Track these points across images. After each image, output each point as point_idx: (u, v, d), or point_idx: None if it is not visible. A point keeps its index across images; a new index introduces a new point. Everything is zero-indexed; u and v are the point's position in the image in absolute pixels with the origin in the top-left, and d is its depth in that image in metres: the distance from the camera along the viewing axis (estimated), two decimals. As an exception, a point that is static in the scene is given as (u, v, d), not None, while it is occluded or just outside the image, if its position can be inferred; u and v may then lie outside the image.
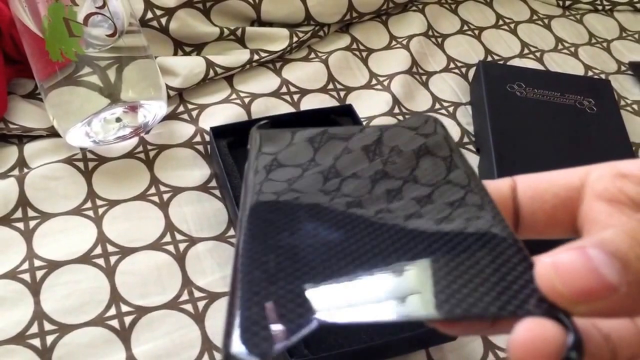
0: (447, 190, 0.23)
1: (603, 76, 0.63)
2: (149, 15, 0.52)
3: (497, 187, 0.22)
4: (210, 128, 0.46)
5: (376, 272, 0.20)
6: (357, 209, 0.23)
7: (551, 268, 0.17)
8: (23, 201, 0.42)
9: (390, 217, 0.23)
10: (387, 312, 0.18)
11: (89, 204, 0.43)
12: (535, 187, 0.22)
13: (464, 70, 0.60)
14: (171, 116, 0.50)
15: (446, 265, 0.20)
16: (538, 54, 0.64)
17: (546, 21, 0.69)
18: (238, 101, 0.52)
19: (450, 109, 0.56)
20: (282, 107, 0.52)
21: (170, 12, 0.53)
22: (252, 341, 0.17)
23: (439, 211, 0.22)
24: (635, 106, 0.60)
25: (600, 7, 0.71)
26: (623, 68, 0.65)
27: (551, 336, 0.16)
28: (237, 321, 0.18)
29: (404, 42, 0.60)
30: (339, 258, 0.21)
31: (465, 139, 0.54)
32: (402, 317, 0.18)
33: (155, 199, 0.44)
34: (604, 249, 0.16)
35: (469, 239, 0.21)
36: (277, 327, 0.18)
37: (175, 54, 0.54)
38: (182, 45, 0.54)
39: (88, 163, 0.45)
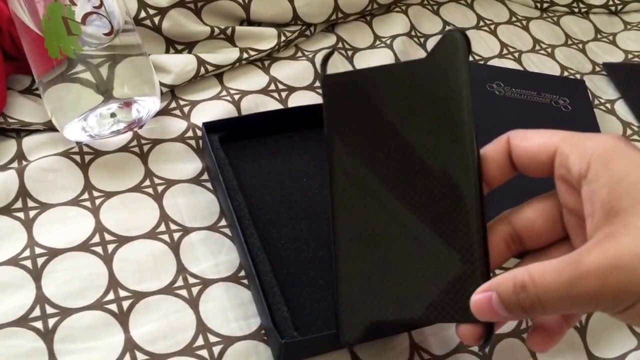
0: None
1: (578, 76, 0.66)
2: (143, 14, 0.54)
3: (495, 150, 0.33)
4: (203, 123, 0.48)
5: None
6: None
7: (473, 305, 0.31)
8: (23, 192, 0.44)
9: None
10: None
11: (86, 195, 0.45)
12: (523, 158, 0.32)
13: (445, 69, 0.63)
14: (164, 112, 0.52)
15: (423, 266, 0.35)
16: (516, 55, 0.67)
17: (524, 23, 0.71)
18: (228, 98, 0.54)
19: (432, 107, 0.59)
20: (271, 104, 0.54)
21: (162, 11, 0.55)
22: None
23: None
24: (608, 105, 0.63)
25: (576, 10, 0.74)
26: (597, 69, 0.68)
27: (476, 332, 0.32)
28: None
29: (388, 42, 0.63)
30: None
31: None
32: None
33: (150, 190, 0.46)
34: (499, 294, 0.29)
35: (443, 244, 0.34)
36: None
37: (168, 52, 0.56)
38: (174, 44, 0.56)
39: (84, 156, 0.47)
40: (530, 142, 0.32)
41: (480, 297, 0.30)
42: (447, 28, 0.37)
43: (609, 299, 0.27)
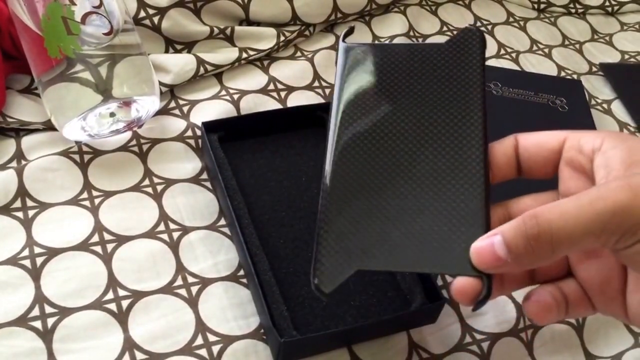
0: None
1: (575, 76, 0.66)
2: (142, 14, 0.54)
3: (502, 142, 0.33)
4: (202, 123, 0.48)
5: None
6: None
7: (474, 251, 0.29)
8: (22, 191, 0.44)
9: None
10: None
11: (85, 195, 0.45)
12: (530, 147, 0.33)
13: (443, 69, 0.63)
14: (163, 111, 0.52)
15: (426, 218, 0.32)
16: (514, 55, 0.67)
17: (522, 23, 0.72)
18: (227, 97, 0.54)
19: (430, 107, 0.59)
20: (270, 104, 0.55)
21: (162, 11, 0.55)
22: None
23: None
24: (605, 105, 0.64)
25: (573, 10, 0.75)
26: (594, 69, 0.68)
27: (472, 289, 0.30)
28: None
29: (387, 42, 0.63)
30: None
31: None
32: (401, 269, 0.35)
33: (149, 190, 0.46)
34: (502, 237, 0.28)
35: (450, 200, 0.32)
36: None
37: (167, 51, 0.56)
38: (174, 43, 0.56)
39: (84, 156, 0.47)
40: (539, 135, 0.33)
41: (482, 242, 0.29)
42: (466, 25, 0.39)
43: (624, 225, 0.25)
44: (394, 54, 0.37)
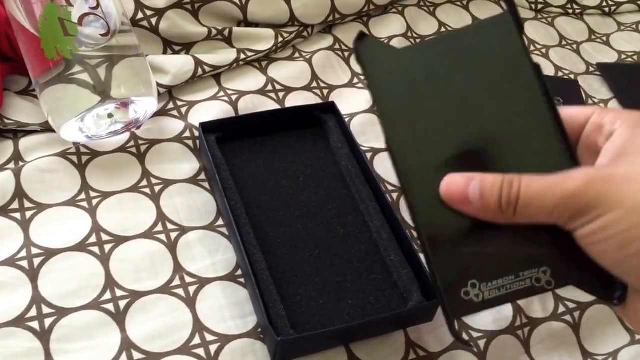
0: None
1: (572, 76, 0.66)
2: (140, 15, 0.54)
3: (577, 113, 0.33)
4: (200, 124, 0.48)
5: None
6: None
7: (447, 179, 0.30)
8: (20, 193, 0.44)
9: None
10: None
11: (83, 196, 0.45)
12: (565, 114, 0.32)
13: (441, 70, 0.63)
14: (161, 112, 0.52)
15: None
16: (511, 55, 0.67)
17: (519, 24, 0.72)
18: (225, 98, 0.54)
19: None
20: (268, 104, 0.55)
21: (160, 12, 0.55)
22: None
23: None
24: (602, 105, 0.64)
25: (570, 11, 0.75)
26: (591, 69, 0.68)
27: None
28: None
29: (385, 43, 0.63)
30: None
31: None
32: None
33: (147, 190, 0.46)
34: (480, 181, 0.29)
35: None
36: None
37: (165, 52, 0.56)
38: (172, 45, 0.56)
39: (82, 157, 0.47)
40: (572, 109, 0.33)
41: (460, 176, 0.30)
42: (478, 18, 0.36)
43: (570, 209, 0.28)
44: (422, 51, 0.34)
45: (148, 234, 0.44)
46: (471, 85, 0.33)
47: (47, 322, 0.38)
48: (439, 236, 0.31)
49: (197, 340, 0.39)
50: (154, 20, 0.55)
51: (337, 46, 0.62)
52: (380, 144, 0.52)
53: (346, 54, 0.62)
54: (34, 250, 0.41)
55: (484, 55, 0.33)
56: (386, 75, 0.33)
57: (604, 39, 0.73)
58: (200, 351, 0.39)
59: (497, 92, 0.32)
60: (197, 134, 0.50)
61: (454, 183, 0.30)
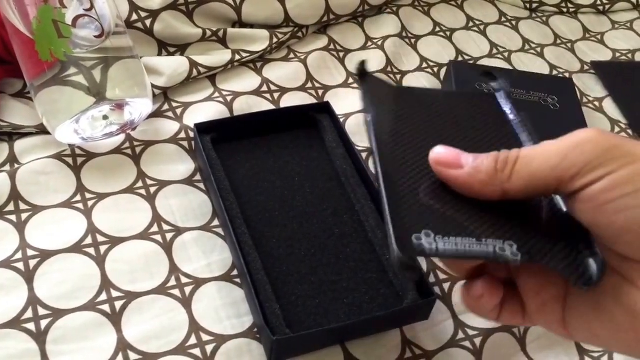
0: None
1: (567, 75, 0.66)
2: (134, 17, 0.55)
3: None
4: (195, 124, 0.48)
5: None
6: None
7: (436, 148, 0.29)
8: (15, 195, 0.44)
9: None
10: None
11: (78, 197, 0.45)
12: None
13: (436, 69, 0.63)
14: (156, 114, 0.52)
15: None
16: (506, 54, 0.67)
17: (514, 23, 0.72)
18: (221, 99, 0.54)
19: (423, 106, 0.59)
20: (263, 105, 0.55)
21: (154, 14, 0.55)
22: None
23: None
24: (596, 103, 0.64)
25: (565, 10, 0.75)
26: (586, 67, 0.68)
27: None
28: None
29: (379, 43, 0.63)
30: None
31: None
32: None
33: (143, 192, 0.46)
34: (474, 159, 0.28)
35: None
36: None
37: (160, 54, 0.56)
38: (166, 46, 0.56)
39: (77, 159, 0.47)
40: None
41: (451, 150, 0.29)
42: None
43: (586, 155, 0.25)
44: (416, 95, 0.36)
45: (144, 235, 0.44)
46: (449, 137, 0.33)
47: (43, 323, 0.38)
48: (402, 185, 0.29)
49: (193, 340, 0.39)
50: (148, 22, 0.55)
51: (331, 46, 0.62)
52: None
53: (341, 54, 0.62)
54: (30, 252, 0.41)
55: (467, 118, 0.35)
56: (385, 116, 0.34)
57: (599, 37, 0.73)
58: (197, 351, 0.39)
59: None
60: (192, 135, 0.50)
61: (445, 147, 0.29)
